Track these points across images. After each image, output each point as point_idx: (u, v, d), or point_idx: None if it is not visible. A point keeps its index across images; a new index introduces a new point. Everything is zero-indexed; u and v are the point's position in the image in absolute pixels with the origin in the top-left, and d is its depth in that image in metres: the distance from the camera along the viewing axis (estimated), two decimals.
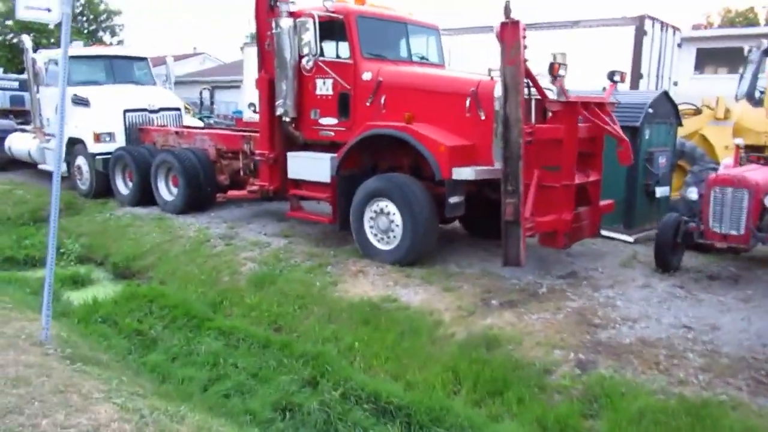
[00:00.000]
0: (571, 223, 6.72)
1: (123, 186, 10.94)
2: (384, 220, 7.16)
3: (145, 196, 10.50)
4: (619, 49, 13.02)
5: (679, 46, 15.05)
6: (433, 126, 6.91)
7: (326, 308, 6.23)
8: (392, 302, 6.17)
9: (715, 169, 8.37)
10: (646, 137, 8.78)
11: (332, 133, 7.84)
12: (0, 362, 3.94)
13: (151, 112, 11.63)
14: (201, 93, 23.92)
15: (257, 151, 8.64)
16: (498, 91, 6.62)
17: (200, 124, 13.60)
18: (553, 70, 6.19)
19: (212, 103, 23.86)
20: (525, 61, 5.90)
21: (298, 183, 8.31)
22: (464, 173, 6.60)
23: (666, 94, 9.40)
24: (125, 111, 11.35)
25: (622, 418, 4.14)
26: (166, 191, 10.26)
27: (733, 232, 6.74)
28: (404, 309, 6.01)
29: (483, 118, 6.74)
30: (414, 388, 4.82)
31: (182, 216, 9.88)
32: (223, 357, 5.31)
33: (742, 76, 13.22)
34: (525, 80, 6.04)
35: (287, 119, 7.99)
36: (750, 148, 12.18)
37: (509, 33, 5.80)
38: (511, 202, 6.12)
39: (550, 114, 6.53)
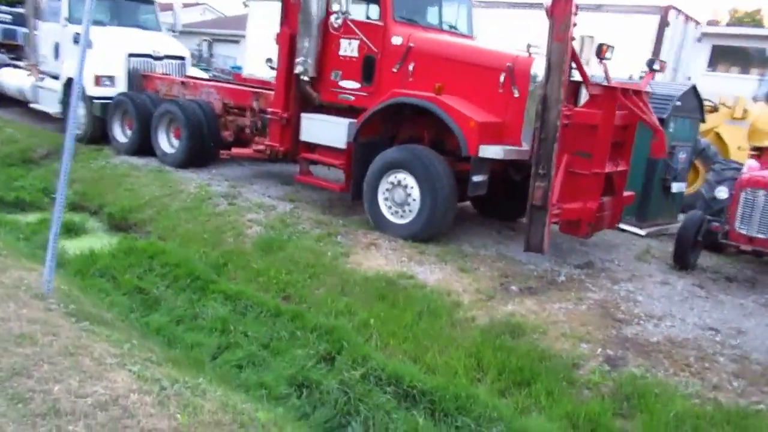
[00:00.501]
0: (596, 212, 6.49)
1: (121, 134, 10.46)
2: (401, 193, 6.86)
3: (143, 145, 10.04)
4: (640, 37, 12.70)
5: (699, 40, 14.79)
6: (462, 99, 6.58)
7: (338, 280, 5.96)
8: (408, 279, 5.91)
9: (739, 169, 8.19)
10: (671, 130, 8.54)
11: (352, 98, 7.46)
12: (1, 315, 3.61)
13: (156, 59, 11.09)
14: (199, 44, 23.21)
15: (269, 110, 8.23)
16: (535, 69, 6.32)
17: (205, 75, 13.07)
18: (601, 52, 5.89)
19: (211, 55, 23.20)
20: (572, 39, 5.59)
21: (311, 146, 7.96)
22: (492, 151, 6.31)
23: (695, 88, 9.13)
24: (129, 55, 10.80)
25: (658, 421, 3.96)
26: (167, 143, 9.82)
27: (761, 236, 6.57)
28: (421, 287, 5.75)
29: (517, 95, 6.43)
30: (434, 372, 4.59)
31: (182, 170, 9.47)
32: (231, 324, 5.03)
33: (762, 78, 13.05)
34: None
35: (306, 78, 7.59)
36: (758, 150, 12.06)
37: (560, 8, 5.47)
38: (540, 186, 5.86)
39: (587, 98, 6.24)
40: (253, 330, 4.98)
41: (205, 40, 23.55)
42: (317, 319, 5.14)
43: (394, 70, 7.06)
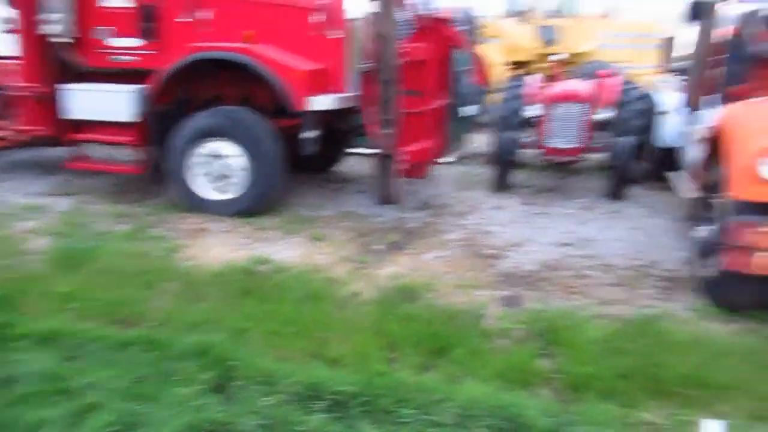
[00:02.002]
0: (432, 151, 6.32)
1: None
2: (219, 165, 5.90)
3: None
4: None
5: None
6: (276, 48, 5.74)
7: (182, 283, 4.93)
8: (265, 264, 5.13)
9: (523, 86, 8.70)
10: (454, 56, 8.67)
11: (134, 58, 6.09)
12: None
13: None
14: None
15: (18, 85, 6.40)
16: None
17: None
18: None
19: None
20: None
21: (82, 124, 6.42)
22: (321, 103, 5.66)
23: (468, 11, 9.37)
24: None
25: (580, 351, 3.94)
26: None
27: (570, 146, 7.04)
28: (284, 270, 5.03)
29: (334, 37, 5.79)
30: (343, 365, 4.02)
31: None
32: (67, 377, 3.82)
33: None
34: None
35: (64, 41, 5.97)
36: (518, 64, 13.13)
37: None
38: (387, 133, 5.44)
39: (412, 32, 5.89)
40: (101, 377, 3.84)
41: None
42: (181, 341, 4.16)
43: (183, 19, 5.88)
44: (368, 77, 5.76)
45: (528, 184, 7.76)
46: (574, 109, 6.93)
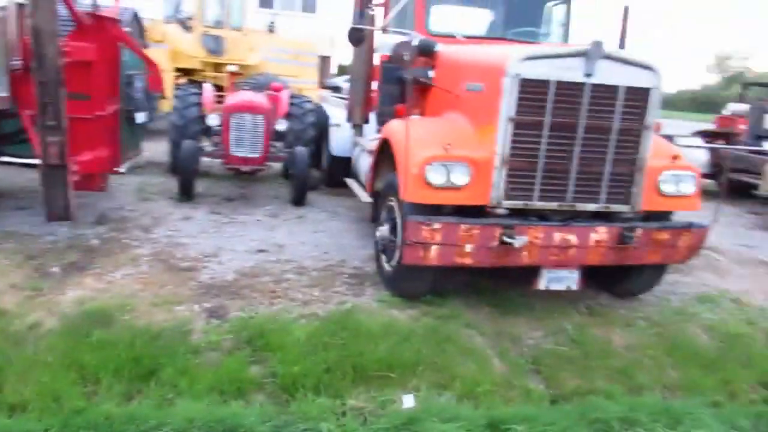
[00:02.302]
0: (109, 160, 5.80)
1: None
2: None
3: None
4: None
5: None
6: None
7: None
8: None
9: (198, 94, 8.57)
10: (125, 59, 8.12)
11: None
12: None
13: None
14: None
15: None
16: None
17: None
18: None
19: None
20: None
21: None
22: None
23: (136, 13, 8.80)
24: None
25: (288, 352, 4.08)
26: None
27: (253, 155, 7.20)
28: None
29: None
30: (30, 410, 3.45)
31: None
32: None
33: None
34: None
35: None
36: (183, 71, 12.85)
37: None
38: (54, 140, 4.82)
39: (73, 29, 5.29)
40: None
41: None
42: None
43: None
44: (22, 77, 5.03)
45: (213, 194, 7.69)
46: (253, 119, 7.12)
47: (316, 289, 5.03)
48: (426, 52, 5.62)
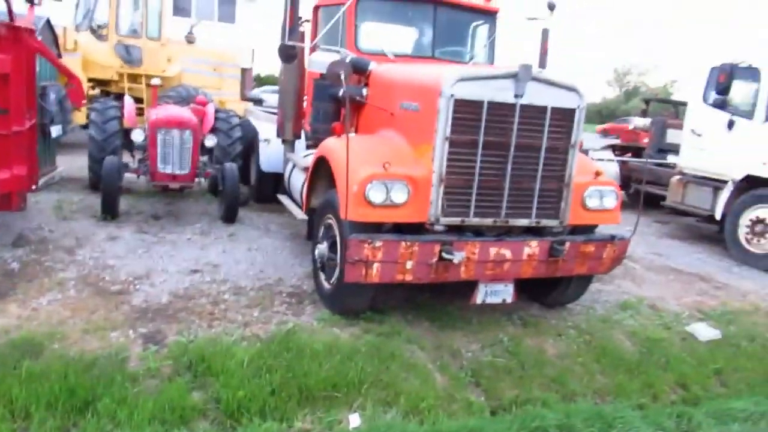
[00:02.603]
0: (24, 178, 5.49)
1: None
2: None
3: None
4: None
5: None
6: None
7: None
8: None
9: (118, 107, 8.27)
10: (38, 70, 7.72)
11: None
12: None
13: None
14: None
15: None
16: None
17: None
18: None
19: None
20: None
21: None
22: None
23: (49, 21, 8.37)
24: None
25: (231, 376, 4.00)
26: None
27: (181, 172, 7.01)
28: None
29: None
30: None
31: None
32: None
33: (77, 4, 12.89)
34: None
35: None
36: (96, 82, 12.34)
37: None
38: None
39: None
40: None
41: None
42: None
43: None
44: None
45: (138, 211, 7.42)
46: (181, 135, 6.94)
47: (255, 309, 4.96)
48: (360, 70, 5.69)
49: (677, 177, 9.44)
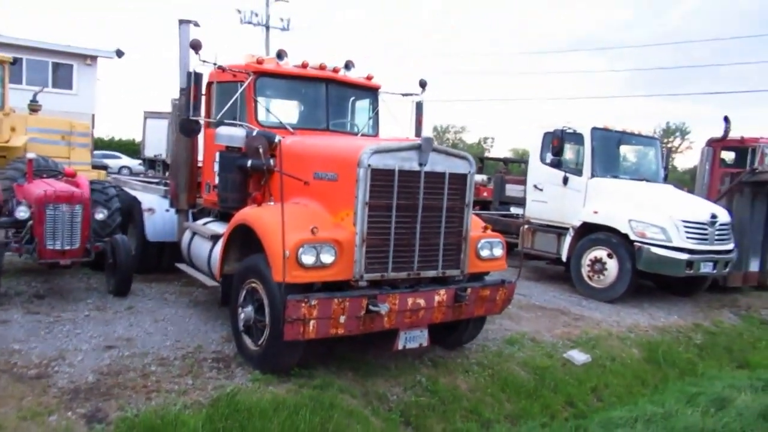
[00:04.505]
0: None
1: None
2: None
3: None
4: None
5: None
6: None
7: None
8: None
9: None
10: None
11: None
12: None
13: None
14: None
15: None
16: None
17: None
18: None
19: None
20: None
21: None
22: None
23: None
24: None
25: None
26: None
27: (71, 247, 6.77)
28: None
29: None
30: None
31: None
32: None
33: None
34: None
35: None
36: None
37: None
38: None
39: None
40: None
41: None
42: None
43: None
44: None
45: (16, 292, 6.97)
46: (72, 209, 6.73)
47: (187, 377, 5.02)
48: (270, 143, 6.10)
49: (526, 226, 10.80)
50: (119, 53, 21.09)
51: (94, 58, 21.68)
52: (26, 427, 4.01)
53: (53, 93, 19.95)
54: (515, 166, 22.46)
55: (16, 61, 13.29)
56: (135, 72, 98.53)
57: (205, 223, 7.02)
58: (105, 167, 22.20)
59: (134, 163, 30.90)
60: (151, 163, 27.98)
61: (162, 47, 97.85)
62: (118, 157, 31.44)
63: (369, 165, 5.08)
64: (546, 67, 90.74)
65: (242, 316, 5.39)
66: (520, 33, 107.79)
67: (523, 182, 13.27)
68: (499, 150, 66.03)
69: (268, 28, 31.85)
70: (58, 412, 4.24)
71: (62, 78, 20.86)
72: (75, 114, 17.47)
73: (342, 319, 4.91)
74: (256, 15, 31.46)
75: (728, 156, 14.03)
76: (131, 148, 35.46)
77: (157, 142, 26.66)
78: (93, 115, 20.84)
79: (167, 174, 20.84)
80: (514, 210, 12.99)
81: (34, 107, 13.62)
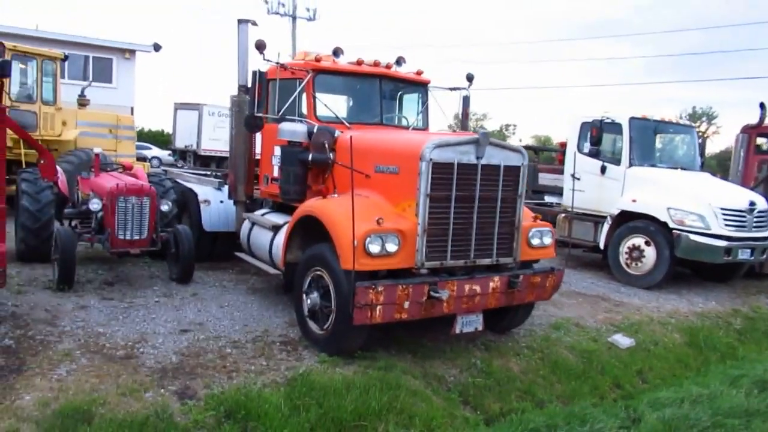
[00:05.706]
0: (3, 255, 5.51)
1: None
2: None
3: None
4: None
5: None
6: None
7: None
8: None
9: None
10: None
11: None
12: None
13: None
14: None
15: None
16: None
17: None
18: None
19: None
20: None
21: None
22: None
23: None
24: None
25: (270, 418, 4.40)
26: None
27: (140, 237, 7.18)
28: None
29: None
30: None
31: None
32: None
33: None
34: None
35: None
36: None
37: None
38: None
39: None
40: None
41: None
42: None
43: None
44: None
45: (87, 279, 7.41)
46: (141, 201, 7.13)
47: (260, 359, 5.39)
48: (333, 138, 6.41)
49: (563, 215, 11.02)
50: (157, 47, 21.51)
51: (132, 52, 22.16)
52: (127, 402, 4.39)
53: (93, 86, 20.50)
54: (545, 154, 22.49)
55: (67, 58, 13.71)
56: (165, 65, 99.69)
57: (263, 214, 7.37)
58: (146, 158, 22.76)
59: (164, 154, 31.47)
60: (181, 154, 28.56)
61: (190, 41, 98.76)
62: (149, 148, 32.00)
63: (431, 159, 5.37)
64: (567, 54, 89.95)
65: (308, 302, 5.73)
66: (546, 20, 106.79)
67: (556, 171, 13.49)
68: (521, 137, 65.87)
69: (294, 18, 32.16)
70: (152, 389, 4.63)
71: (102, 72, 21.35)
72: (115, 107, 17.94)
73: (406, 304, 5.23)
74: (283, 5, 31.79)
75: (764, 142, 14.04)
76: (161, 139, 36.03)
77: (188, 133, 27.19)
78: (132, 108, 21.32)
79: (213, 166, 21.28)
80: (548, 199, 13.17)
81: (82, 101, 14.09)
